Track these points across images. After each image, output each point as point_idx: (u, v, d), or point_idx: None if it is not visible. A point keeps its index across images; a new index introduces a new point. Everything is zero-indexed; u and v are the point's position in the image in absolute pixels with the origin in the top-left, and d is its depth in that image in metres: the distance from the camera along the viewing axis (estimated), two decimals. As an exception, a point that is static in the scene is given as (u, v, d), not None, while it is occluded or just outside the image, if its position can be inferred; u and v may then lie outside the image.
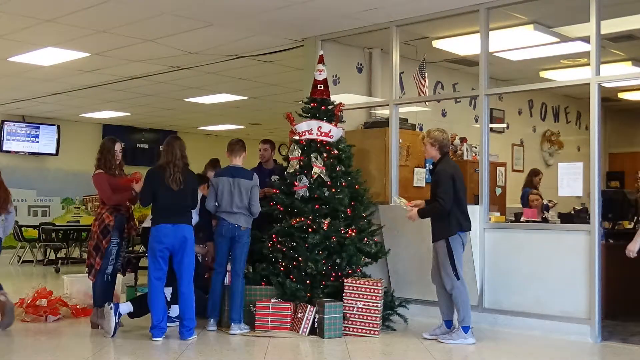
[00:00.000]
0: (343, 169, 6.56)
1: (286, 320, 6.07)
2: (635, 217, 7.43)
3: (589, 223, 6.04)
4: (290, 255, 6.33)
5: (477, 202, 6.78)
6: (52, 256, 12.87)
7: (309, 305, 6.00)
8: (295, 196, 6.42)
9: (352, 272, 6.37)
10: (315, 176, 6.39)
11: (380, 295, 6.03)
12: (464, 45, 7.99)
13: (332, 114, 6.65)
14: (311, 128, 6.54)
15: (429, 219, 5.91)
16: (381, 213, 7.19)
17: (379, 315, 6.01)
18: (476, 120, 9.19)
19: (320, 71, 6.74)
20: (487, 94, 6.83)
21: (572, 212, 7.74)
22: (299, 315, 6.01)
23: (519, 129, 11.01)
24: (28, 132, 14.76)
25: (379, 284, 6.06)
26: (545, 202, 8.26)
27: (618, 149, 12.92)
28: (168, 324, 5.91)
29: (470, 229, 5.92)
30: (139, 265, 10.55)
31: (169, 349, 5.46)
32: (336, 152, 6.56)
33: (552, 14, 7.21)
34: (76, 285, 7.46)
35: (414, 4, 6.74)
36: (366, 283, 6.05)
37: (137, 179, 6.30)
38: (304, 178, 6.41)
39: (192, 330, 5.79)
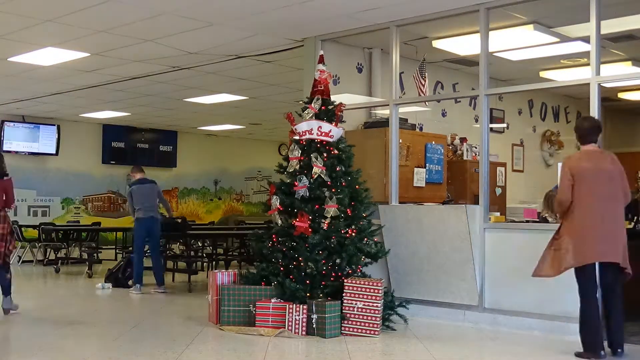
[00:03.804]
0: (343, 169, 6.56)
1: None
2: (636, 217, 7.42)
3: (589, 223, 6.02)
4: (290, 255, 6.33)
5: (477, 202, 6.79)
6: (52, 256, 12.87)
7: (298, 305, 5.98)
8: (295, 196, 6.43)
9: (352, 272, 6.37)
10: (315, 176, 6.39)
11: (380, 295, 6.02)
12: (464, 45, 7.99)
13: (333, 114, 6.65)
14: (311, 128, 6.53)
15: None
16: (381, 213, 7.20)
17: (379, 315, 6.01)
18: (476, 120, 9.19)
19: (321, 71, 6.73)
20: (487, 94, 6.83)
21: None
22: (296, 317, 5.99)
23: (519, 129, 11.02)
24: (28, 132, 14.77)
25: (379, 284, 6.06)
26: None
27: (618, 149, 12.91)
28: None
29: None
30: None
31: (168, 348, 5.46)
32: (336, 152, 6.56)
33: (552, 14, 7.21)
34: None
35: (414, 4, 6.74)
36: (366, 283, 6.05)
37: None
38: (304, 178, 6.41)
39: None
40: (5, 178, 7.02)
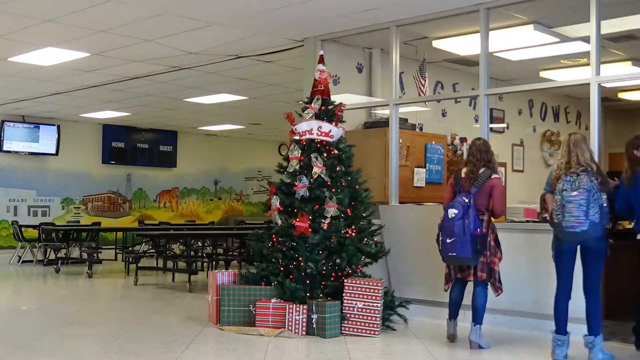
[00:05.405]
0: (343, 169, 6.56)
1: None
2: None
3: (589, 223, 6.01)
4: (290, 255, 6.33)
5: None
6: (52, 256, 12.87)
7: (298, 305, 5.99)
8: (296, 196, 6.43)
9: (352, 272, 6.37)
10: (315, 176, 6.39)
11: (380, 295, 6.03)
12: (464, 45, 7.99)
13: (333, 114, 6.65)
14: (311, 128, 6.54)
15: None
16: (381, 213, 7.20)
17: (379, 315, 6.01)
18: (476, 120, 9.19)
19: (321, 71, 6.74)
20: (487, 94, 6.83)
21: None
22: (296, 317, 5.99)
23: (519, 129, 11.02)
24: (28, 132, 14.77)
25: (379, 284, 6.06)
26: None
27: (618, 149, 12.90)
28: None
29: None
30: (139, 265, 10.59)
31: (168, 348, 5.46)
32: (336, 152, 6.56)
33: (552, 14, 7.21)
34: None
35: (414, 4, 6.74)
36: (366, 283, 6.05)
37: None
38: (304, 178, 6.41)
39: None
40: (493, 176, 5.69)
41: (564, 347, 5.26)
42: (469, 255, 5.42)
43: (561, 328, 5.28)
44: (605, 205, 5.09)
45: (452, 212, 5.46)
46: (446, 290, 5.86)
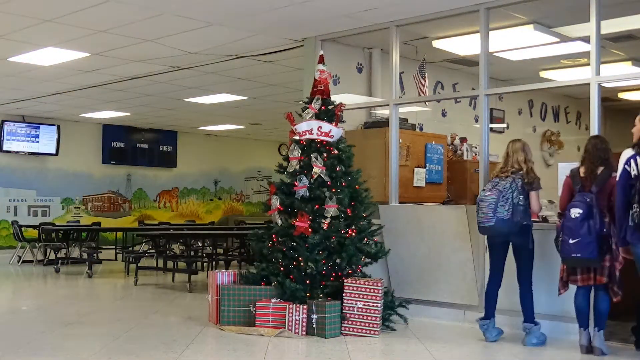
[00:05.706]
0: (343, 169, 6.56)
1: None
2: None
3: (589, 223, 6.02)
4: (290, 255, 6.33)
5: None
6: (52, 256, 12.88)
7: (298, 305, 5.99)
8: (296, 196, 6.43)
9: (352, 272, 6.37)
10: (315, 176, 6.39)
11: (380, 295, 6.03)
12: (464, 45, 7.99)
13: (333, 114, 6.65)
14: (311, 128, 6.54)
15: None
16: (381, 213, 7.20)
17: (378, 315, 6.01)
18: (476, 120, 9.19)
19: (321, 71, 6.74)
20: (487, 94, 6.83)
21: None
22: (296, 317, 5.99)
23: (519, 129, 11.01)
24: (28, 132, 14.78)
25: (379, 284, 6.06)
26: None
27: (618, 149, 12.89)
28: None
29: None
30: (139, 265, 10.59)
31: (168, 348, 5.46)
32: (336, 152, 6.56)
33: (552, 14, 7.22)
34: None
35: (414, 4, 6.74)
36: (366, 283, 6.05)
37: None
38: (304, 178, 6.41)
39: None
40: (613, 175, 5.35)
41: (491, 329, 5.85)
42: (594, 257, 5.17)
43: (488, 314, 5.88)
44: (521, 204, 5.59)
45: (575, 211, 5.21)
46: (560, 294, 5.55)
